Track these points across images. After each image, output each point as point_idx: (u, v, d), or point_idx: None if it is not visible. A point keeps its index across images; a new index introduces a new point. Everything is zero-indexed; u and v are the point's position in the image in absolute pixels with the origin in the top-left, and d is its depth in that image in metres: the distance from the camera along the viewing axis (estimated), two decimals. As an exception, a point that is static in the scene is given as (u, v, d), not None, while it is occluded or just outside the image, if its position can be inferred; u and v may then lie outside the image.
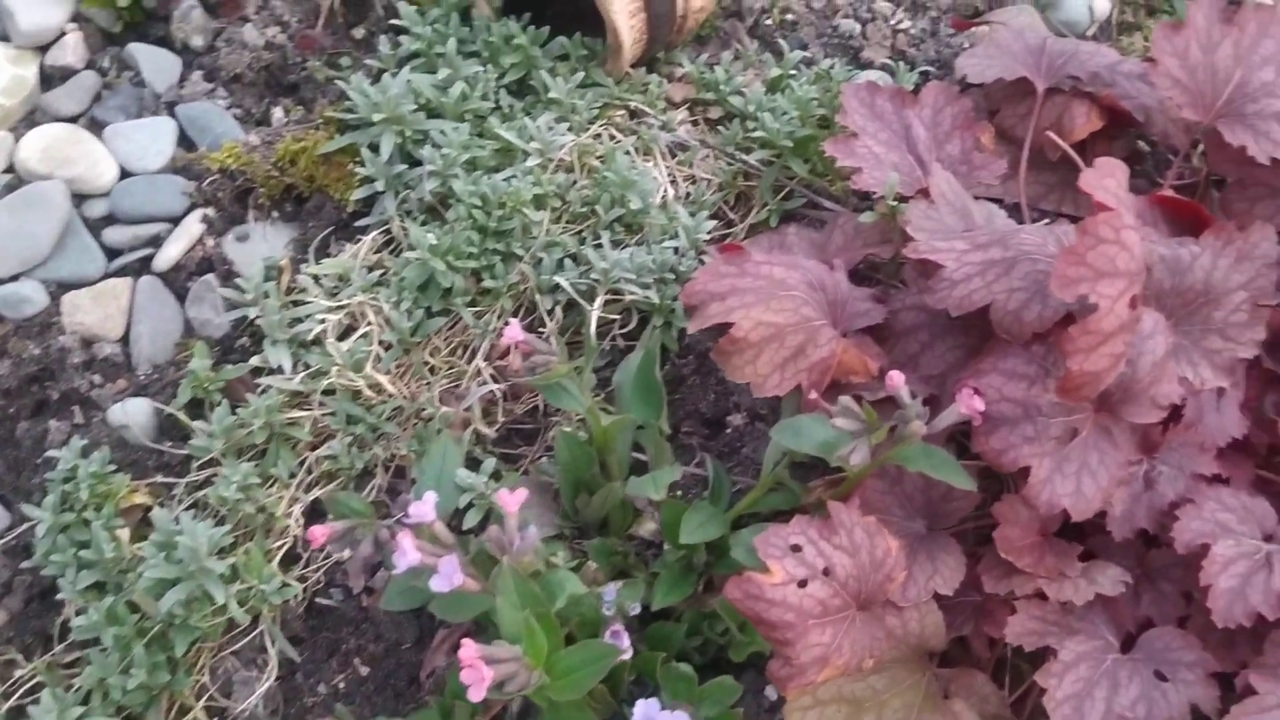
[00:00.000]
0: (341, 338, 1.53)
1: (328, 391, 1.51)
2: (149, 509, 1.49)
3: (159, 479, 1.52)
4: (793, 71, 1.80)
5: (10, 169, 1.71)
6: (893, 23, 1.93)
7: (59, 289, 1.64)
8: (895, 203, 1.48)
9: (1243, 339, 1.32)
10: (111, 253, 1.68)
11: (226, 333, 1.61)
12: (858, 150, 1.56)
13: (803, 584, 1.21)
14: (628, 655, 1.23)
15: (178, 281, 1.64)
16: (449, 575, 1.18)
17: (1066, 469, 1.25)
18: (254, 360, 1.54)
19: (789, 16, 1.93)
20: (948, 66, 1.88)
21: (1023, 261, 1.30)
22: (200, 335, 1.61)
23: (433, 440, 1.42)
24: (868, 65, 1.88)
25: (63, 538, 1.46)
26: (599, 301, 1.54)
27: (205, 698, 1.42)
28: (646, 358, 1.46)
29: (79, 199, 1.69)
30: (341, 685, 1.44)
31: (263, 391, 1.51)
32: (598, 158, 1.66)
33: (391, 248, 1.62)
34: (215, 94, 1.77)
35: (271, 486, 1.49)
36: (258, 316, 1.54)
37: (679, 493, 1.51)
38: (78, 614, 1.43)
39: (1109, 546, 1.35)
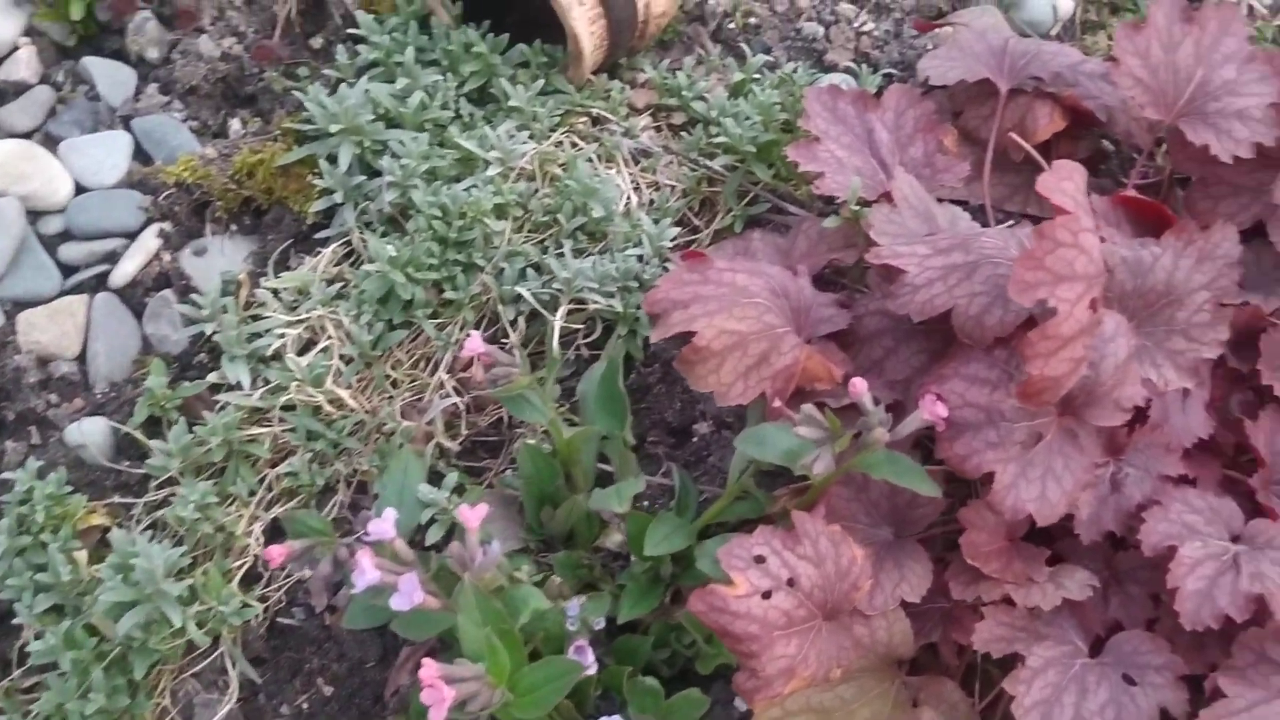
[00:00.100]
0: (301, 352, 1.52)
1: (287, 407, 1.49)
2: (107, 530, 1.47)
3: (117, 499, 1.50)
4: (755, 76, 1.79)
5: (-37, 186, 1.69)
6: (856, 25, 1.93)
7: (14, 307, 1.61)
8: (858, 207, 1.47)
9: (1206, 339, 1.32)
10: (67, 270, 1.65)
11: (185, 349, 1.58)
12: (820, 155, 1.55)
13: (767, 595, 1.20)
14: (592, 671, 1.22)
15: (135, 298, 1.62)
16: (409, 593, 1.16)
17: (1031, 474, 1.24)
18: (212, 377, 1.52)
19: (752, 20, 1.92)
20: (911, 69, 1.87)
21: (984, 265, 1.29)
22: (158, 352, 1.59)
23: (394, 455, 1.40)
24: (831, 68, 1.87)
25: (19, 561, 1.44)
26: (562, 311, 1.53)
27: (166, 721, 1.41)
28: (609, 368, 1.44)
29: (34, 215, 1.67)
30: (305, 706, 1.42)
31: (221, 408, 1.48)
32: (560, 165, 1.64)
33: (352, 260, 1.60)
34: (171, 107, 1.75)
35: (231, 505, 1.46)
36: (215, 332, 1.52)
37: (645, 503, 1.49)
38: (35, 638, 1.40)
39: (1077, 550, 1.34)
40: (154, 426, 1.52)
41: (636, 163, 1.71)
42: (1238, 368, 1.41)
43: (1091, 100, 1.61)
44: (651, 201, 1.68)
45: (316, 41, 1.81)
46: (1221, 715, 1.19)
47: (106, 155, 1.70)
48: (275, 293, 1.56)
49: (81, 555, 1.44)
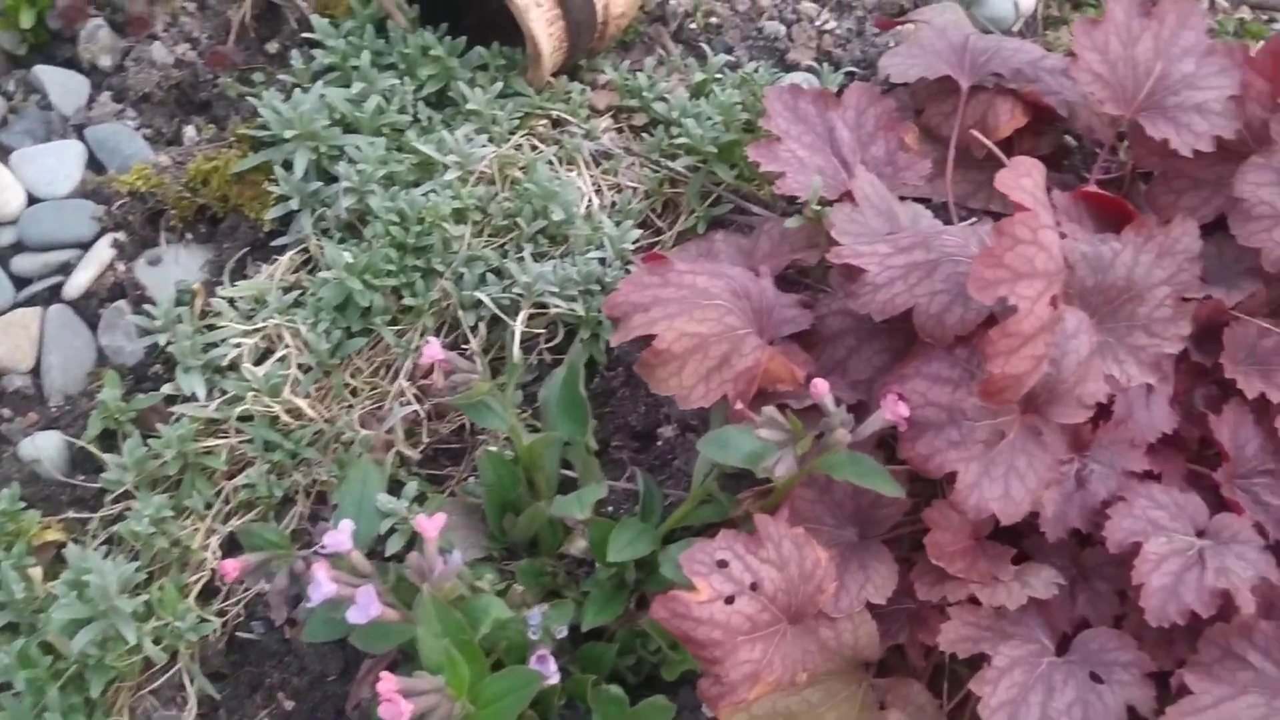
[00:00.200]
0: (258, 362, 1.49)
1: (244, 418, 1.46)
2: (63, 546, 1.44)
3: (72, 514, 1.48)
4: (717, 76, 1.78)
5: (-88, 198, 1.66)
6: (818, 24, 1.92)
7: (-34, 321, 1.59)
8: (820, 207, 1.46)
9: (1167, 334, 1.31)
10: (20, 282, 1.62)
11: (140, 360, 1.56)
12: (781, 154, 1.54)
13: (730, 600, 1.18)
14: (555, 680, 1.20)
15: (89, 309, 1.60)
16: (366, 606, 1.15)
17: (994, 472, 1.23)
18: (167, 388, 1.50)
19: (713, 20, 1.91)
20: (874, 67, 1.86)
21: (945, 263, 1.28)
22: (113, 364, 1.56)
23: (353, 465, 1.38)
24: (793, 67, 1.86)
25: (-28, 579, 1.41)
26: (522, 316, 1.51)
27: (124, 739, 1.38)
28: (570, 372, 1.43)
29: (-15, 227, 1.64)
30: (266, 720, 1.40)
31: (176, 420, 1.46)
32: (520, 169, 1.63)
33: (309, 267, 1.58)
34: (124, 115, 1.73)
35: (187, 519, 1.44)
36: (170, 343, 1.50)
37: (610, 508, 1.48)
38: (-10, 658, 1.38)
39: (1043, 547, 1.33)
40: (109, 440, 1.50)
41: (598, 165, 1.70)
42: (1201, 362, 1.41)
43: (1052, 96, 1.61)
44: (613, 204, 1.67)
45: (272, 46, 1.79)
46: (1188, 712, 1.19)
47: (59, 165, 1.68)
48: (231, 301, 1.54)
49: (36, 572, 1.42)
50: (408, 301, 1.52)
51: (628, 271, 1.55)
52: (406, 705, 1.07)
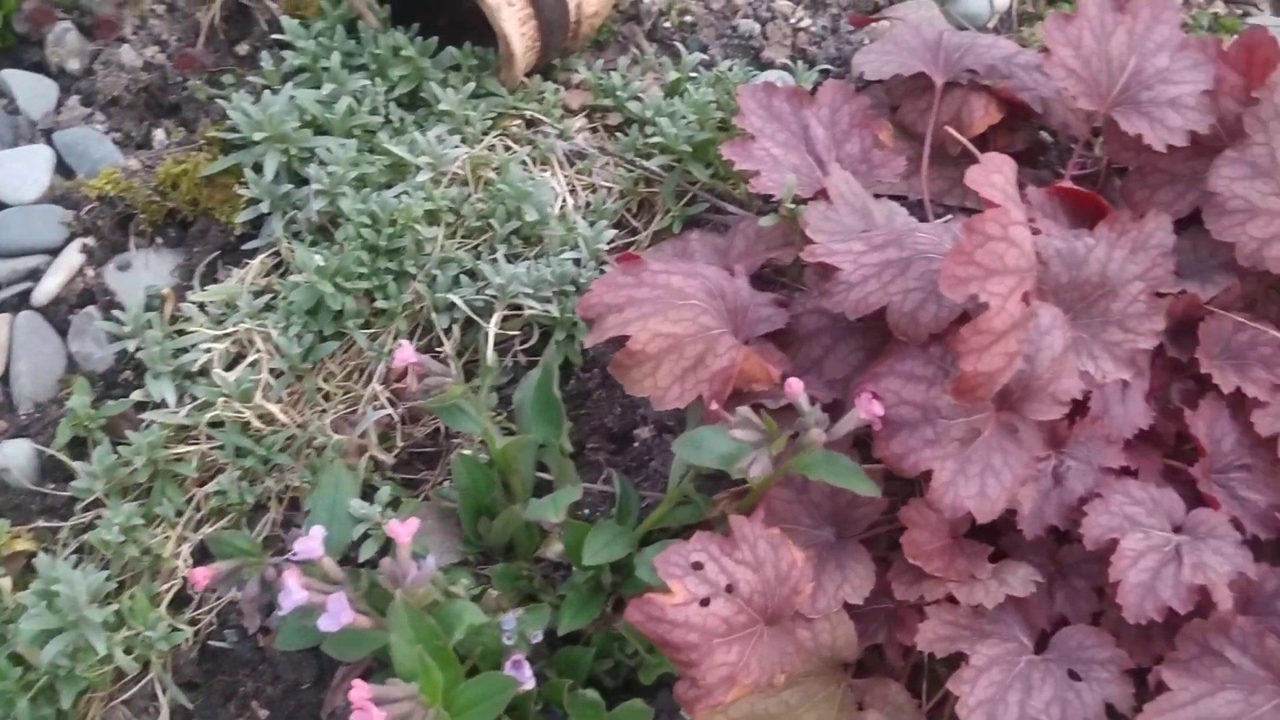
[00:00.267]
0: (229, 367, 1.48)
1: (215, 424, 1.45)
2: (33, 555, 1.42)
3: (43, 523, 1.46)
4: (692, 74, 1.77)
5: (-122, 205, 1.64)
6: (793, 21, 1.91)
7: (-67, 328, 1.57)
8: (794, 205, 1.45)
9: (1142, 330, 1.31)
10: (-12, 288, 1.61)
11: (110, 367, 1.54)
12: (755, 153, 1.53)
13: (705, 602, 1.17)
14: (530, 685, 1.19)
15: (58, 315, 1.58)
16: (337, 613, 1.14)
17: (969, 470, 1.23)
18: (137, 395, 1.48)
19: (687, 19, 1.90)
20: (849, 64, 1.85)
21: (918, 261, 1.27)
22: (83, 370, 1.54)
23: (325, 470, 1.36)
24: (768, 65, 1.85)
25: (-59, 590, 1.39)
26: (496, 318, 1.50)
27: (97, 750, 1.37)
28: (544, 374, 1.42)
29: (-48, 234, 1.62)
30: (240, 730, 1.39)
31: (146, 427, 1.44)
32: (493, 169, 1.61)
33: (281, 271, 1.56)
34: (93, 119, 1.71)
35: (158, 527, 1.42)
36: (139, 349, 1.48)
37: (586, 510, 1.47)
38: (-41, 670, 1.36)
39: (1021, 545, 1.33)
40: (80, 447, 1.48)
41: (572, 165, 1.69)
42: (1177, 357, 1.41)
43: (1026, 92, 1.61)
44: (588, 204, 1.65)
45: (242, 48, 1.77)
46: (1165, 709, 1.19)
47: (28, 170, 1.66)
48: (201, 306, 1.52)
49: (6, 582, 1.40)
50: (380, 304, 1.50)
51: (603, 272, 1.54)
52: (379, 714, 1.06)
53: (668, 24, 1.89)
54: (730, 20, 1.91)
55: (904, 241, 1.31)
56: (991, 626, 1.27)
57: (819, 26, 1.91)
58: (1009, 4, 2.00)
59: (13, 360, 1.55)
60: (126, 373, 1.53)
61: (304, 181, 1.57)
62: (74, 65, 1.75)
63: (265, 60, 1.69)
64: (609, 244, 1.58)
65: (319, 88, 1.63)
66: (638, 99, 1.73)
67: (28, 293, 1.59)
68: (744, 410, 1.21)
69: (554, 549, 1.40)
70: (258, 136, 1.55)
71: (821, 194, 1.46)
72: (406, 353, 1.27)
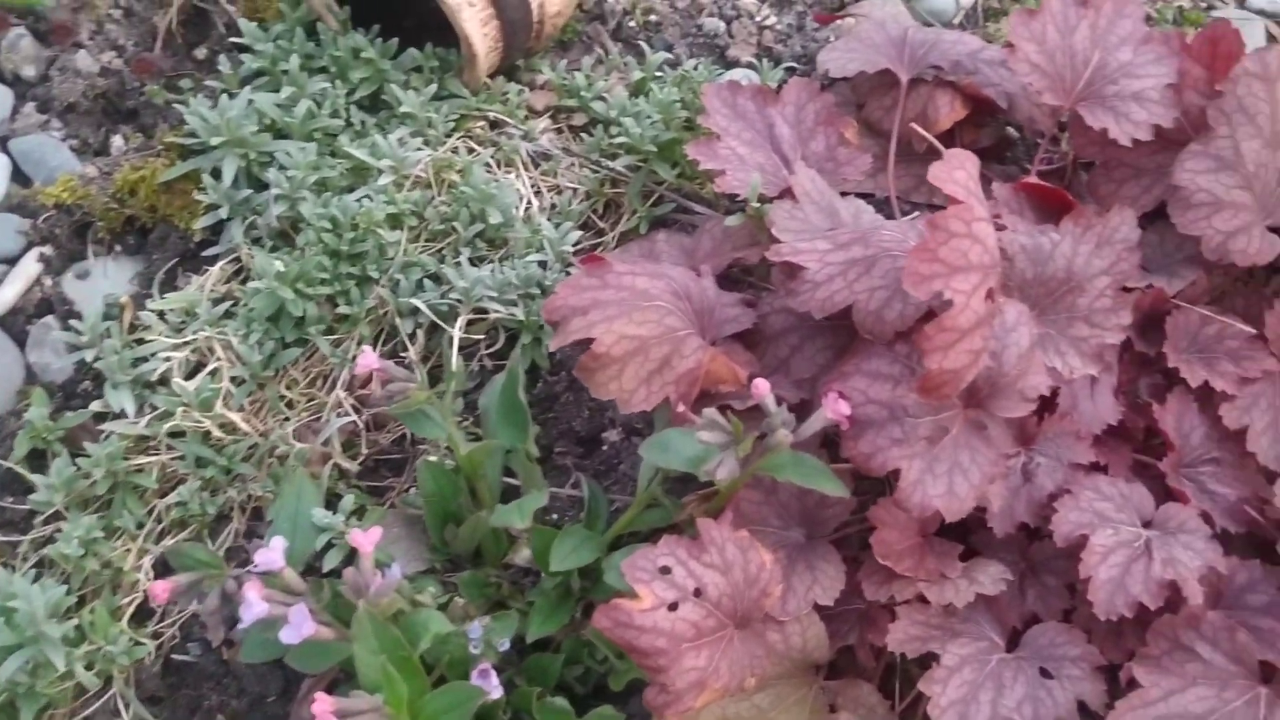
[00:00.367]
0: (189, 376, 1.46)
1: (175, 434, 1.43)
2: (-8, 570, 1.40)
3: (1, 538, 1.43)
4: (657, 74, 1.76)
5: None
6: (758, 19, 1.90)
7: (-111, 341, 1.54)
8: (760, 204, 1.44)
9: (1109, 325, 1.31)
10: (-56, 299, 1.58)
11: (70, 377, 1.52)
12: (720, 152, 1.52)
13: (673, 607, 1.16)
14: (497, 694, 1.18)
15: (16, 326, 1.55)
16: (299, 625, 1.12)
17: (937, 469, 1.22)
18: (96, 405, 1.45)
19: (652, 18, 1.88)
20: (815, 62, 1.84)
21: (883, 259, 1.26)
22: (42, 381, 1.52)
23: (287, 479, 1.34)
24: (734, 64, 1.84)
25: (-102, 606, 1.36)
26: (460, 322, 1.48)
27: (59, 768, 1.34)
28: (509, 378, 1.40)
29: (-94, 244, 1.59)
30: (205, 744, 1.37)
31: (105, 438, 1.42)
32: (456, 172, 1.60)
33: (241, 277, 1.54)
34: (50, 125, 1.68)
35: (118, 539, 1.40)
36: (98, 359, 1.46)
37: (555, 515, 1.45)
38: (-83, 687, 1.33)
39: (992, 543, 1.32)
40: (38, 460, 1.46)
41: (536, 166, 1.67)
42: (1144, 351, 1.41)
43: (991, 87, 1.60)
44: (553, 205, 1.64)
45: (200, 52, 1.75)
46: (1137, 706, 1.18)
47: (-17, 179, 1.63)
48: (161, 314, 1.50)
49: (-36, 598, 1.37)
50: (343, 310, 1.49)
51: (568, 274, 1.53)
52: (341, 726, 1.04)
53: (632, 23, 1.88)
54: (695, 19, 1.89)
55: (869, 239, 1.30)
56: (963, 625, 1.26)
57: (784, 24, 1.90)
58: (974, 0, 2.00)
59: (-30, 372, 1.53)
60: (85, 383, 1.51)
61: (264, 186, 1.55)
62: (29, 72, 1.72)
63: (223, 64, 1.66)
64: (575, 246, 1.57)
65: (278, 91, 1.61)
66: (602, 99, 1.72)
67: (-16, 303, 1.57)
68: (710, 412, 1.20)
69: (522, 555, 1.39)
70: (215, 141, 1.53)
71: (787, 192, 1.45)
72: (369, 358, 1.26)
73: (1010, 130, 1.71)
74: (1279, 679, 1.19)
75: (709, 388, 1.32)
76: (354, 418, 1.46)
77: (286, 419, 1.46)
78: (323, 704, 1.06)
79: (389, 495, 1.47)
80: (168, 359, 1.45)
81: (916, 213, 1.57)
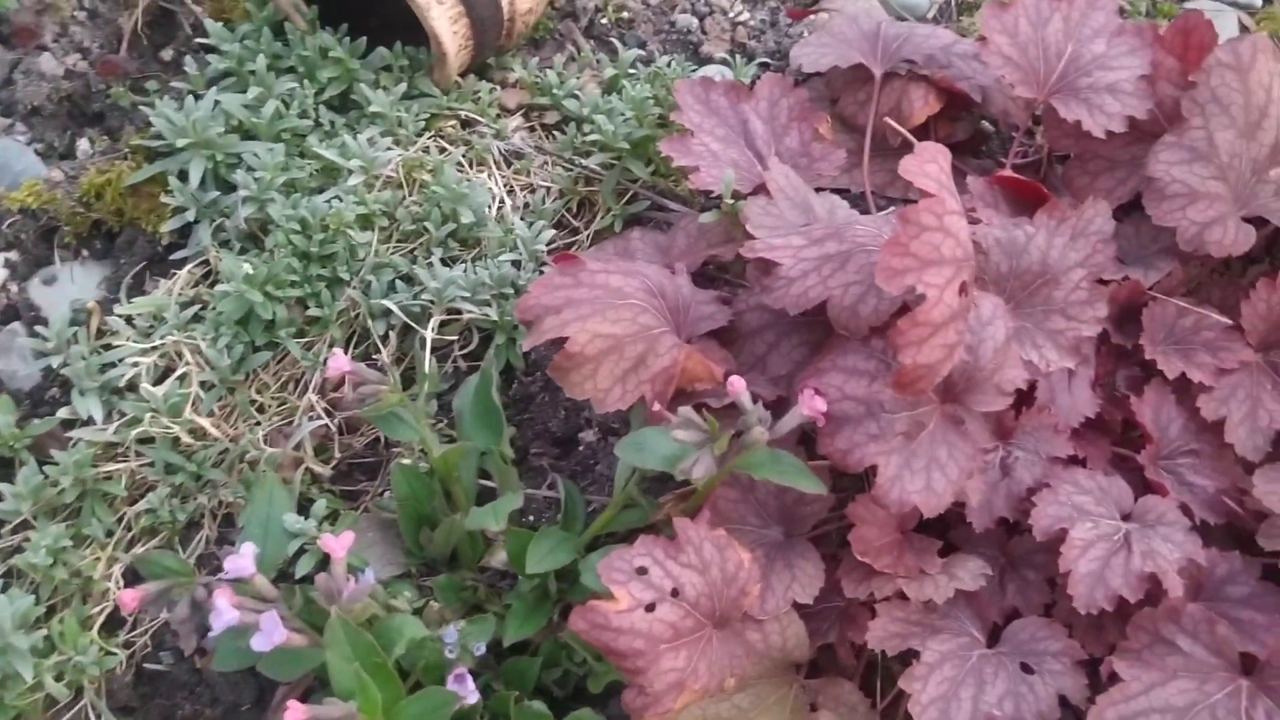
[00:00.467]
0: (158, 381, 1.44)
1: (145, 440, 1.41)
2: (-42, 582, 1.38)
3: (-32, 549, 1.41)
4: (630, 71, 1.74)
5: None
6: (731, 16, 1.89)
7: None
8: (734, 200, 1.43)
9: (1085, 317, 1.30)
10: (-93, 307, 1.55)
11: (37, 384, 1.50)
12: (694, 148, 1.51)
13: (650, 608, 1.15)
14: (473, 699, 1.16)
15: (-18, 333, 1.53)
16: (270, 632, 1.10)
17: (915, 464, 1.21)
18: (63, 412, 1.43)
19: (625, 15, 1.87)
20: (788, 58, 1.84)
21: (858, 254, 1.25)
22: (9, 389, 1.49)
23: (258, 485, 1.32)
24: (707, 60, 1.83)
25: None
26: (433, 323, 1.47)
27: (30, 781, 1.32)
28: (483, 379, 1.38)
29: None
30: (179, 754, 1.35)
31: (73, 445, 1.40)
32: (427, 171, 1.58)
33: (210, 281, 1.52)
34: (14, 129, 1.65)
35: (87, 548, 1.38)
36: (64, 365, 1.43)
37: (531, 517, 1.44)
38: (-118, 702, 1.31)
39: (972, 538, 1.31)
40: (5, 468, 1.44)
41: (509, 165, 1.66)
42: (1121, 344, 1.40)
43: (965, 81, 1.59)
44: (526, 204, 1.62)
45: (167, 54, 1.73)
46: (1118, 700, 1.17)
47: (-54, 184, 1.61)
48: (128, 319, 1.48)
49: (-71, 611, 1.35)
50: (314, 312, 1.47)
51: (542, 273, 1.51)
52: (315, 734, 1.02)
53: (604, 20, 1.86)
54: (668, 15, 1.88)
55: (843, 235, 1.29)
56: (943, 622, 1.25)
57: (758, 20, 1.89)
58: (948, -6, 1.99)
59: (-65, 381, 1.50)
60: (53, 390, 1.49)
61: (232, 188, 1.53)
62: (-8, 75, 1.70)
63: (190, 65, 1.64)
64: (548, 245, 1.55)
65: (245, 92, 1.59)
66: (575, 97, 1.70)
67: (-51, 311, 1.54)
68: (685, 410, 1.19)
69: (498, 558, 1.37)
70: (182, 143, 1.51)
71: (762, 189, 1.44)
72: (340, 361, 1.24)
73: (985, 124, 1.70)
74: (1260, 671, 1.19)
75: (685, 386, 1.31)
76: (326, 421, 1.45)
77: (257, 423, 1.44)
78: (295, 712, 1.04)
79: (363, 499, 1.46)
80: (136, 364, 1.43)
81: (892, 208, 1.56)
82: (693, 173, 1.48)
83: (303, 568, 1.31)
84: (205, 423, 1.41)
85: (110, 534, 1.39)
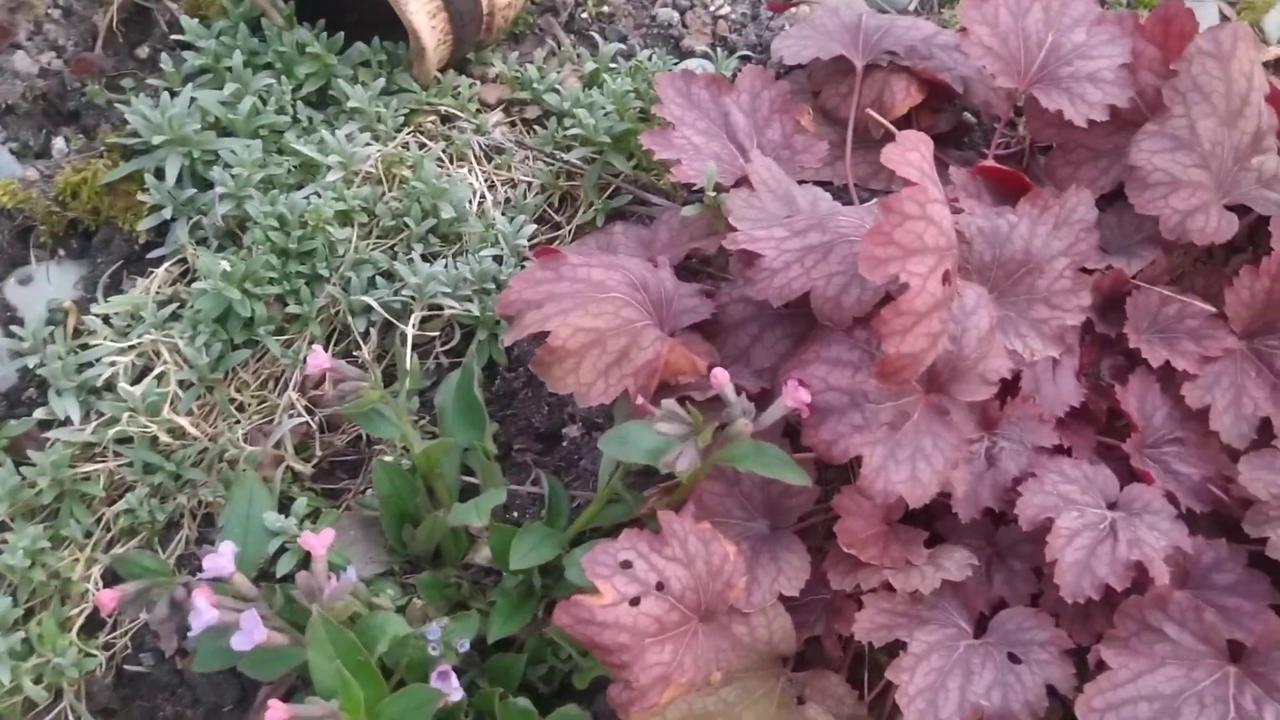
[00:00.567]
0: (136, 380, 1.42)
1: (123, 440, 1.39)
2: (-66, 585, 1.36)
3: (-56, 551, 1.39)
4: (610, 65, 1.73)
5: None
6: (712, 9, 1.88)
7: None
8: (716, 193, 1.42)
9: (1068, 306, 1.30)
10: (-120, 308, 1.53)
11: (13, 385, 1.48)
12: (676, 141, 1.50)
13: (635, 601, 1.14)
14: (457, 697, 1.15)
15: (-44, 334, 1.51)
16: (250, 631, 1.09)
17: (900, 455, 1.20)
18: (40, 412, 1.42)
19: (605, 9, 1.86)
20: (769, 50, 1.83)
21: (840, 245, 1.25)
22: (-15, 390, 1.48)
23: (238, 483, 1.31)
24: (688, 54, 1.82)
25: None
26: (414, 319, 1.45)
27: (9, 785, 1.30)
28: (464, 375, 1.37)
29: None
30: (160, 756, 1.33)
31: (50, 446, 1.38)
32: (407, 167, 1.57)
33: (187, 279, 1.51)
34: (-12, 129, 1.64)
35: (65, 549, 1.37)
36: (41, 365, 1.42)
37: (515, 514, 1.43)
38: None
39: (958, 529, 1.31)
40: (-18, 471, 1.42)
41: (489, 160, 1.64)
42: (1105, 333, 1.40)
43: (947, 72, 1.59)
44: (507, 199, 1.61)
45: (142, 51, 1.71)
46: (1106, 688, 1.17)
47: (-80, 184, 1.59)
48: (105, 319, 1.46)
49: (-94, 615, 1.33)
50: (293, 310, 1.45)
51: (524, 268, 1.50)
52: (296, 734, 1.01)
53: (585, 15, 1.85)
54: (648, 9, 1.88)
55: (826, 225, 1.28)
56: (929, 613, 1.25)
57: (739, 14, 1.88)
58: (929, -14, 1.99)
59: (-91, 383, 1.49)
60: (29, 390, 1.47)
61: (209, 185, 1.52)
62: (-35, 74, 1.68)
63: (166, 62, 1.63)
64: (530, 240, 1.55)
65: (222, 88, 1.57)
66: (555, 91, 1.69)
67: (-76, 312, 1.52)
68: (669, 403, 1.18)
69: (482, 554, 1.36)
70: (158, 140, 1.49)
71: (744, 181, 1.43)
72: (320, 358, 1.23)
73: (967, 115, 1.70)
74: (1248, 657, 1.18)
75: (668, 379, 1.30)
76: (307, 419, 1.43)
77: (237, 422, 1.43)
78: (276, 711, 1.03)
79: (345, 497, 1.44)
80: (113, 364, 1.42)
81: (875, 199, 1.56)
82: (674, 166, 1.47)
83: (284, 567, 1.30)
84: (184, 422, 1.39)
85: (89, 535, 1.37)
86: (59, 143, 1.64)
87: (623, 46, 1.79)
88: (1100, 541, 1.23)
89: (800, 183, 1.45)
